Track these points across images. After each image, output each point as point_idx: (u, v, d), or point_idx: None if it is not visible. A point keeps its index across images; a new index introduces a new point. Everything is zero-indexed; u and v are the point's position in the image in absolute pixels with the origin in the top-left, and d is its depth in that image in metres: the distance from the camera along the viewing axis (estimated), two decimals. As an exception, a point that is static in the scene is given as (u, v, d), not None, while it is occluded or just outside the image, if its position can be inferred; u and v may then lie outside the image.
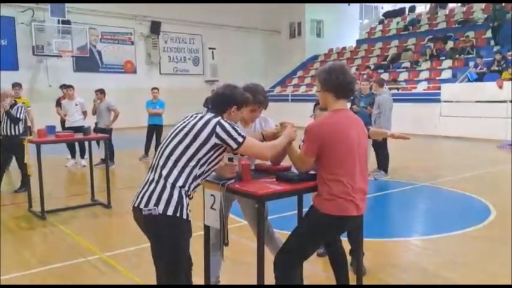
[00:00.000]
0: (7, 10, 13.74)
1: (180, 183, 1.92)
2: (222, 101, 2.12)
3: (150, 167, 2.04)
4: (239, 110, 2.17)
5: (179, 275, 2.00)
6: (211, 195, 2.22)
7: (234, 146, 1.99)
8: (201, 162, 1.96)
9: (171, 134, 2.04)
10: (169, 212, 1.88)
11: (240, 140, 2.00)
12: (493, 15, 13.43)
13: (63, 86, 7.83)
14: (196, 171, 1.96)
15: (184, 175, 1.93)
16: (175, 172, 1.92)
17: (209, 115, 2.04)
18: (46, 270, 3.22)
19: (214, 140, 1.95)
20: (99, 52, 15.94)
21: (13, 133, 5.55)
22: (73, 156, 7.93)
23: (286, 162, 2.48)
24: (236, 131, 2.00)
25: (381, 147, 6.40)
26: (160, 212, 1.87)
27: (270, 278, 2.19)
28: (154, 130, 8.32)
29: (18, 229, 4.28)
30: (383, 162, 6.52)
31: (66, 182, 7.05)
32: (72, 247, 3.72)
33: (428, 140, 11.27)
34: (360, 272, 2.57)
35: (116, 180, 6.66)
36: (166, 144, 2.01)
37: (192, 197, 2.02)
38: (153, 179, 1.96)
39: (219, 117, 2.02)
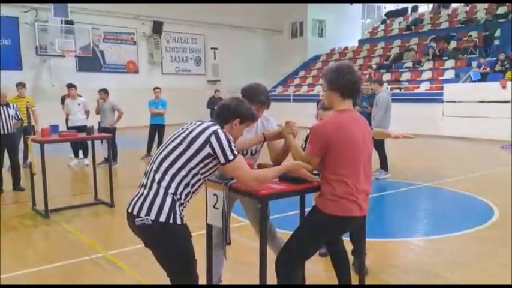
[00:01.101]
0: (11, 10, 13.82)
1: (172, 190, 1.90)
2: (227, 112, 2.08)
3: (146, 171, 2.03)
4: (242, 125, 2.11)
5: (190, 275, 2.00)
6: (214, 194, 2.23)
7: (222, 160, 1.92)
8: (193, 172, 1.92)
9: (169, 139, 2.02)
10: (162, 219, 1.85)
11: (230, 157, 1.92)
12: (484, 26, 13.40)
13: (69, 85, 7.83)
14: (188, 180, 1.92)
15: (175, 182, 1.90)
16: (167, 178, 1.90)
17: (208, 123, 2.00)
18: (49, 268, 3.24)
19: (207, 150, 1.91)
20: (101, 52, 16.00)
21: (11, 131, 5.71)
22: (76, 155, 7.97)
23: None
24: (230, 146, 1.93)
25: (379, 146, 6.43)
26: (153, 219, 1.85)
27: (271, 278, 2.20)
28: (157, 130, 8.34)
29: (21, 227, 4.31)
30: (383, 161, 6.54)
31: (70, 181, 7.08)
32: (75, 245, 3.75)
33: (430, 140, 11.25)
34: (362, 272, 2.57)
35: (119, 179, 6.69)
36: (162, 149, 1.99)
37: (186, 205, 1.99)
38: (146, 184, 1.94)
39: (218, 127, 1.97)
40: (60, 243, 3.87)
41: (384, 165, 6.51)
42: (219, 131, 1.94)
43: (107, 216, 4.78)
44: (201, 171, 1.95)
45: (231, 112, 2.09)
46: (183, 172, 1.91)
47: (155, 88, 8.53)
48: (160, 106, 8.37)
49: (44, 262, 3.35)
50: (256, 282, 2.17)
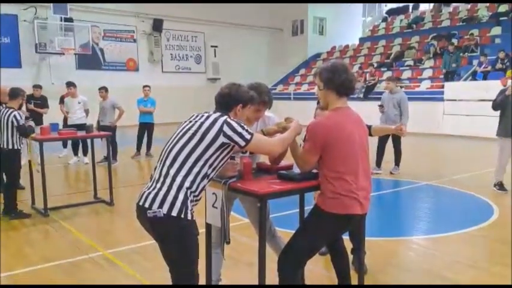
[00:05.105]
0: (10, 8, 13.77)
1: (187, 183, 1.91)
2: (228, 100, 2.12)
3: (156, 166, 2.03)
4: (244, 109, 2.16)
5: (192, 271, 2.00)
6: (213, 193, 2.22)
7: (242, 143, 1.98)
8: (210, 162, 1.95)
9: (178, 133, 2.03)
10: (174, 213, 1.87)
11: (248, 137, 1.99)
12: (448, 61, 12.94)
13: (68, 84, 7.82)
14: (205, 170, 1.95)
15: (192, 175, 1.92)
16: (182, 172, 1.92)
17: (216, 114, 2.03)
18: (49, 267, 3.24)
19: (221, 139, 1.95)
20: (101, 50, 15.96)
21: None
22: (76, 154, 7.97)
23: (288, 161, 2.48)
24: (243, 128, 1.99)
25: (395, 143, 6.55)
26: (165, 212, 1.87)
27: (270, 277, 2.19)
28: (146, 128, 8.31)
29: (21, 226, 4.30)
30: (398, 158, 6.67)
31: (69, 179, 7.08)
32: (75, 244, 3.74)
33: (431, 138, 11.24)
34: (362, 271, 2.57)
35: (118, 178, 6.68)
36: (173, 143, 2.00)
37: (200, 198, 2.01)
38: (158, 179, 1.95)
39: (226, 116, 2.02)
40: (59, 242, 3.86)
41: (398, 161, 6.67)
42: (228, 119, 2.00)
43: (106, 214, 4.77)
44: (217, 161, 1.98)
45: (232, 99, 2.12)
46: (200, 163, 1.93)
47: (144, 86, 8.47)
48: (149, 104, 8.33)
49: (43, 261, 3.34)
50: (256, 281, 2.16)
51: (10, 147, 4.47)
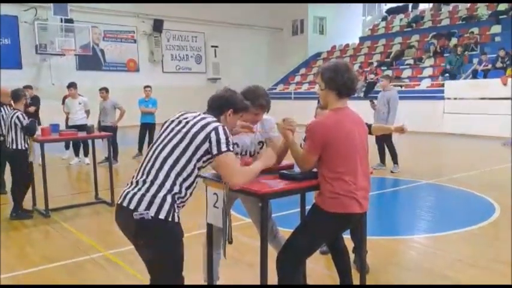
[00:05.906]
0: (10, 9, 13.79)
1: (176, 187, 1.88)
2: (220, 103, 2.10)
3: (141, 167, 1.98)
4: (235, 115, 2.12)
5: (178, 274, 1.98)
6: (214, 193, 2.22)
7: (215, 151, 1.91)
8: (198, 165, 1.94)
9: (167, 134, 1.99)
10: (162, 215, 1.85)
11: (224, 149, 1.91)
12: (454, 62, 12.85)
13: (69, 85, 7.82)
14: (194, 177, 1.93)
15: (179, 180, 1.90)
16: (172, 176, 1.89)
17: (208, 119, 1.99)
18: (49, 267, 3.24)
19: (206, 145, 1.92)
20: (102, 50, 15.97)
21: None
22: (77, 154, 7.98)
23: (288, 160, 2.48)
24: (227, 141, 1.93)
25: (386, 141, 6.50)
26: (152, 215, 1.84)
27: (272, 277, 2.19)
28: (147, 128, 8.31)
29: (22, 227, 4.31)
30: (393, 155, 6.62)
31: (70, 180, 7.09)
32: (76, 245, 3.75)
33: (431, 137, 11.23)
34: (363, 270, 2.57)
35: (119, 178, 6.68)
36: (163, 146, 1.96)
37: (186, 200, 1.96)
38: (145, 180, 1.90)
39: (219, 124, 1.97)
40: (60, 243, 3.86)
41: (395, 159, 6.63)
42: (220, 128, 1.95)
43: (107, 215, 4.77)
44: (204, 165, 1.97)
45: (224, 103, 2.10)
46: (189, 169, 1.91)
47: (145, 86, 8.48)
48: (150, 105, 8.34)
49: (45, 261, 3.35)
50: (257, 281, 2.16)
51: (15, 147, 4.49)
